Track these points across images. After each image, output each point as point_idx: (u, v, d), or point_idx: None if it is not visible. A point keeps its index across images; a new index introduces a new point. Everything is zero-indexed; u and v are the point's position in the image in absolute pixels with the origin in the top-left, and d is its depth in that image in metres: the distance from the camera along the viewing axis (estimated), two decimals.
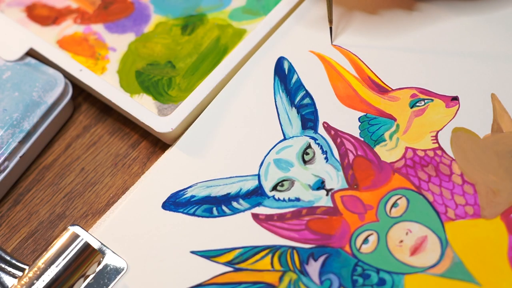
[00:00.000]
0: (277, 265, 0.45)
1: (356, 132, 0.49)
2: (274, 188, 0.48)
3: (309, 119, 0.50)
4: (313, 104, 0.51)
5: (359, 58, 0.52)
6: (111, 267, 0.46)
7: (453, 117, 0.49)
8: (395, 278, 0.44)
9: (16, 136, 0.50)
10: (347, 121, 0.50)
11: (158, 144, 0.52)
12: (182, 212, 0.48)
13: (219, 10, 0.56)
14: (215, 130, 0.50)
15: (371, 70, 0.52)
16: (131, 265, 0.46)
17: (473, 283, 0.44)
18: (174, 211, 0.48)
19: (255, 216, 0.47)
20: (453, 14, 0.53)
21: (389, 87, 0.51)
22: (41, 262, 0.45)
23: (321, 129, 0.50)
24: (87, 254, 0.46)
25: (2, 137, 0.50)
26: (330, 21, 0.52)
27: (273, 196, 0.48)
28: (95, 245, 0.46)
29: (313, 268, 0.45)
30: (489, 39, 0.52)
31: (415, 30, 0.53)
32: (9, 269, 0.46)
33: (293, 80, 0.52)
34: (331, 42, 0.52)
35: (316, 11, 0.54)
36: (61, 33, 0.56)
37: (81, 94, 0.55)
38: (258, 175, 0.49)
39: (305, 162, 0.49)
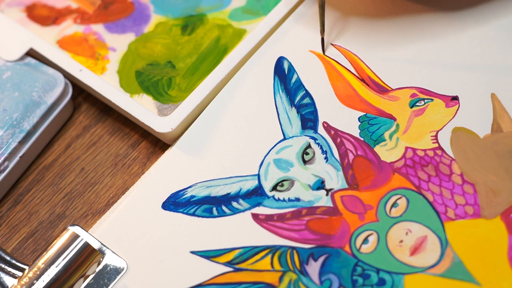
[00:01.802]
0: (277, 265, 0.45)
1: (356, 132, 0.49)
2: (274, 188, 0.48)
3: (309, 119, 0.50)
4: (313, 104, 0.51)
5: (359, 58, 0.52)
6: (111, 267, 0.46)
7: (453, 117, 0.49)
8: (395, 278, 0.44)
9: (16, 136, 0.50)
10: (347, 121, 0.50)
11: (158, 144, 0.52)
12: (182, 212, 0.48)
13: (219, 10, 0.56)
14: (215, 130, 0.50)
15: (371, 70, 0.52)
16: (131, 265, 0.46)
17: (473, 283, 0.44)
18: (174, 211, 0.48)
19: (255, 216, 0.47)
20: (452, 14, 0.53)
21: (389, 87, 0.51)
22: (41, 262, 0.45)
23: (321, 129, 0.50)
24: (87, 254, 0.46)
25: (2, 137, 0.50)
26: (322, 32, 0.52)
27: (273, 196, 0.48)
28: (95, 245, 0.46)
29: (313, 268, 0.45)
30: (489, 39, 0.52)
31: (414, 30, 0.53)
32: (9, 269, 0.46)
33: (293, 80, 0.52)
34: (323, 53, 0.52)
35: (316, 11, 0.54)
36: (61, 33, 0.56)
37: (81, 94, 0.55)
38: (258, 175, 0.48)
39: (305, 162, 0.49)
